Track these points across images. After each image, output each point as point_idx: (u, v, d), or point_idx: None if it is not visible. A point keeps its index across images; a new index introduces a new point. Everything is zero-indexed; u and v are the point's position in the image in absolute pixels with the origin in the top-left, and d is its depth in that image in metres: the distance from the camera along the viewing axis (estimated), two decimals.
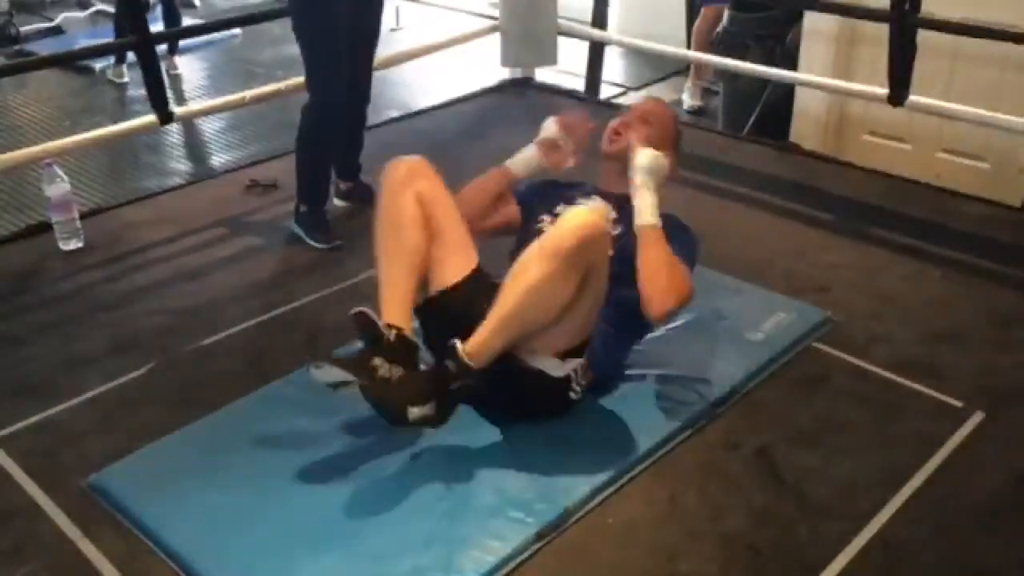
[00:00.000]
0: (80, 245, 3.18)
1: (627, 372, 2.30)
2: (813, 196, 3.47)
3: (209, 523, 1.92)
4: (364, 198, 3.39)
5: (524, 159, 2.42)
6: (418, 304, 2.20)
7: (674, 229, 2.21)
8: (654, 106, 2.48)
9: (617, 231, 2.22)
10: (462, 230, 2.26)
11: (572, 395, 2.14)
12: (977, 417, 2.27)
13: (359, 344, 2.08)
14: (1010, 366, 2.48)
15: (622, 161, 2.29)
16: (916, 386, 2.39)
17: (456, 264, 2.22)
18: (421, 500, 1.98)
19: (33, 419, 2.33)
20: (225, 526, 1.91)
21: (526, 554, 1.86)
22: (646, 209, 2.16)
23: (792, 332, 2.55)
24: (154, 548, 1.90)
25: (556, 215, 2.22)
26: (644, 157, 2.22)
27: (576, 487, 2.00)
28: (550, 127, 2.42)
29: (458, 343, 1.97)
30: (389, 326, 2.07)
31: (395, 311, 2.11)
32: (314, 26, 2.99)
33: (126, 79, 5.39)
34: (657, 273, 2.08)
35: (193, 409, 2.29)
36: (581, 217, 1.98)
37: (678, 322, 2.44)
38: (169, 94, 3.50)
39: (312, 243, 3.14)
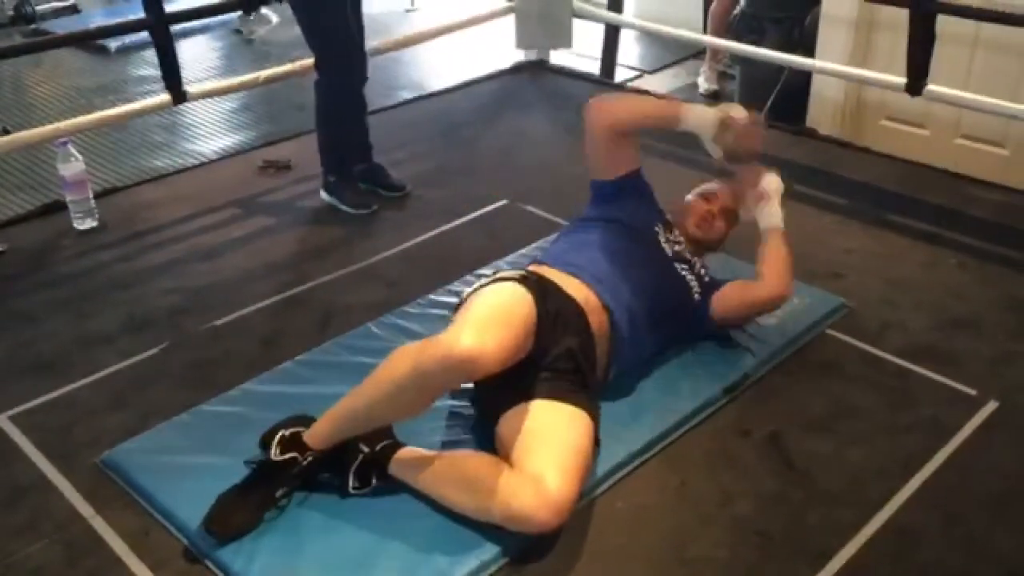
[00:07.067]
0: (94, 224, 3.19)
1: (639, 358, 2.29)
2: (829, 181, 3.45)
3: None
4: (377, 179, 3.39)
5: (702, 116, 2.29)
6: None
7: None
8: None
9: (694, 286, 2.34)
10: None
11: None
12: (991, 405, 2.26)
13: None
14: None
15: (702, 243, 2.46)
16: (930, 374, 2.38)
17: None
18: None
19: (47, 396, 2.34)
20: None
21: (534, 537, 1.86)
22: (777, 215, 2.42)
23: (806, 318, 2.54)
24: (166, 525, 1.91)
25: (668, 227, 2.40)
26: (775, 180, 2.45)
27: None
28: (741, 113, 2.31)
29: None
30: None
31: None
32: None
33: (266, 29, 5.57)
34: (784, 265, 2.36)
35: (206, 388, 2.30)
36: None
37: None
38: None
39: (346, 209, 3.15)
